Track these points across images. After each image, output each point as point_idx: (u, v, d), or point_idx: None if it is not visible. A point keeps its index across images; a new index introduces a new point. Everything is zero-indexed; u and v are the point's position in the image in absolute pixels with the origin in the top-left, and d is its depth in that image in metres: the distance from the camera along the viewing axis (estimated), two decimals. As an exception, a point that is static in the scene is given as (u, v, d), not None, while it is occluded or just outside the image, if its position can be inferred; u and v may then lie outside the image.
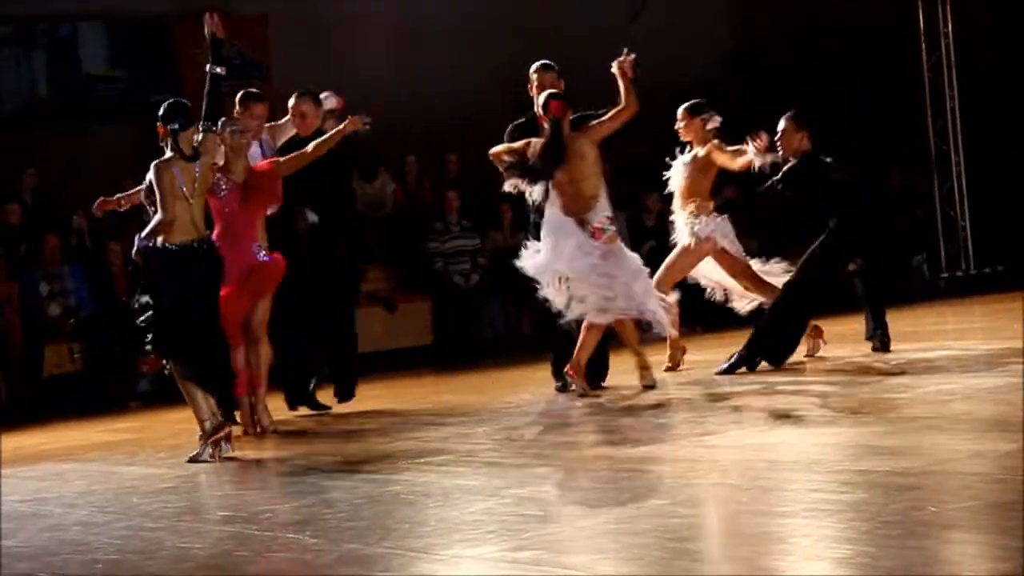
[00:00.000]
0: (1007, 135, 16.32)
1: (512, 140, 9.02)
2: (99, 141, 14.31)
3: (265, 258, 8.84)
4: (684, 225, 9.82)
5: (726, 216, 9.76)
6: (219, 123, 8.68)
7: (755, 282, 9.77)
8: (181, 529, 6.13)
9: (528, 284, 8.87)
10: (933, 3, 15.51)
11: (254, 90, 9.50)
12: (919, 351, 9.56)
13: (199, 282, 7.94)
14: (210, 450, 7.91)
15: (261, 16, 15.26)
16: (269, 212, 9.11)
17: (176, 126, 7.92)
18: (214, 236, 8.79)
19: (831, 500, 5.37)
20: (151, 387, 12.30)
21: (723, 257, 9.78)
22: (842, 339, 9.77)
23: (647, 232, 14.86)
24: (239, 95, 9.24)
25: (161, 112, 7.98)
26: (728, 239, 9.76)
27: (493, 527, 5.45)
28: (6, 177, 13.42)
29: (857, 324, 10.09)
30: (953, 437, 6.27)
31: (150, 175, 7.99)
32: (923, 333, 10.92)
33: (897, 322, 10.12)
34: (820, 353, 9.61)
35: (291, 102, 9.51)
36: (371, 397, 10.58)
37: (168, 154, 7.99)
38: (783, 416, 7.63)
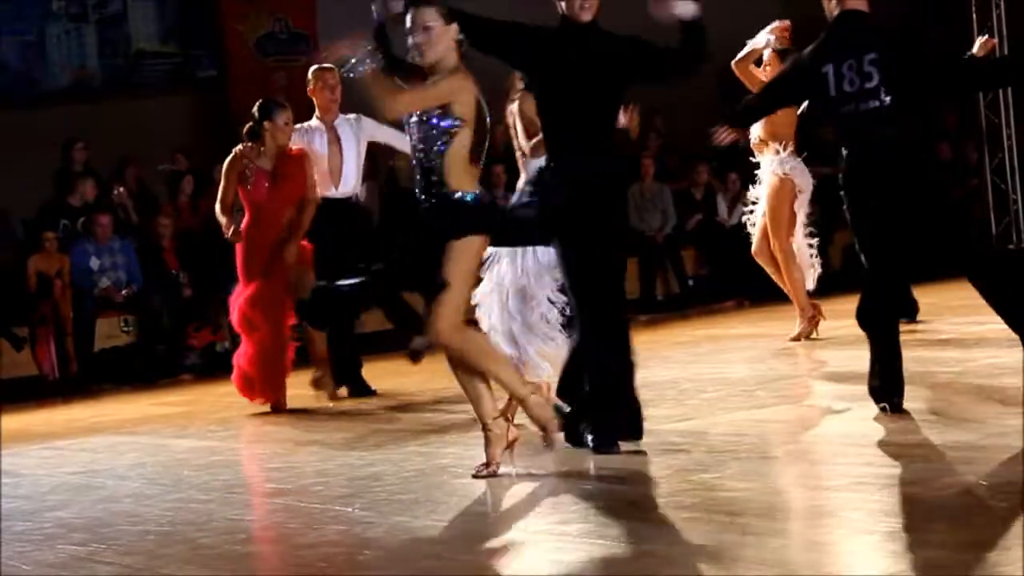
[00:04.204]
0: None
1: None
2: (149, 115, 14.37)
3: None
4: (768, 165, 9.50)
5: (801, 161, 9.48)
6: (271, 111, 8.77)
7: (785, 254, 9.55)
8: (232, 501, 6.18)
9: None
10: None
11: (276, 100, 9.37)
12: (970, 324, 9.49)
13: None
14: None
15: (309, -13, 15.23)
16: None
17: None
18: (243, 225, 8.85)
19: (880, 474, 5.35)
20: (200, 360, 12.39)
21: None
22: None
23: (695, 205, 14.83)
24: (258, 104, 9.00)
25: None
26: (804, 187, 9.43)
27: (540, 500, 5.47)
28: (56, 151, 13.50)
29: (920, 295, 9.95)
30: (1004, 411, 6.22)
31: None
32: (973, 306, 10.82)
33: (948, 295, 10.05)
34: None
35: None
36: (415, 371, 10.58)
37: None
38: (831, 390, 7.60)
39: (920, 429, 6.12)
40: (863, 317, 6.54)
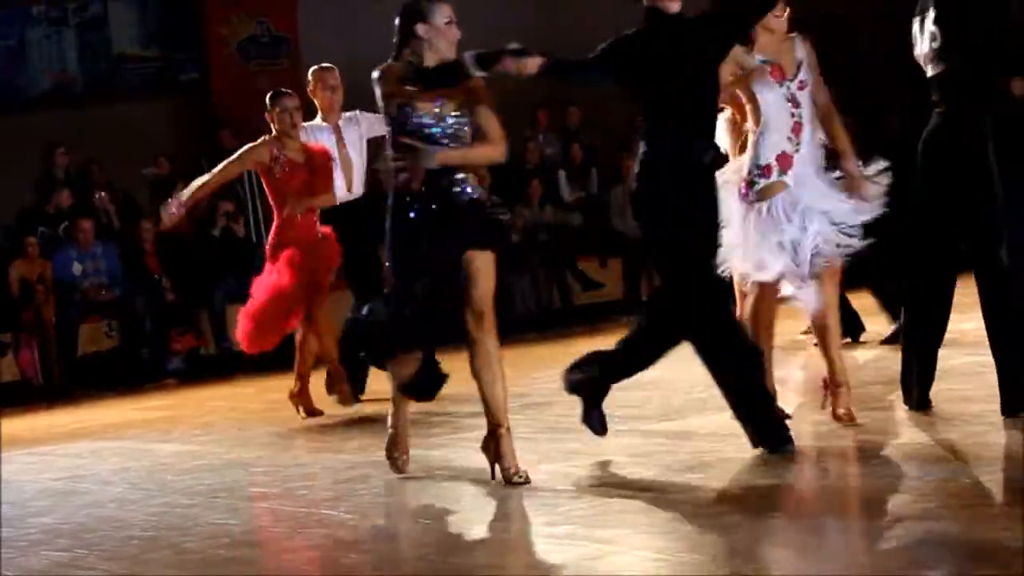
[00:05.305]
0: None
1: None
2: (131, 119, 14.35)
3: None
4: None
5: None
6: (269, 101, 8.52)
7: None
8: (216, 506, 6.17)
9: None
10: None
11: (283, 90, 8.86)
12: (958, 323, 9.49)
13: None
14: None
15: (290, -10, 15.21)
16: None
17: None
18: (276, 221, 8.44)
19: (865, 474, 5.37)
20: (184, 365, 12.38)
21: None
22: (872, 313, 9.72)
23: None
24: (268, 96, 8.63)
25: None
26: None
27: (527, 502, 5.47)
28: (38, 156, 13.48)
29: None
30: (987, 409, 6.24)
31: None
32: (958, 304, 10.85)
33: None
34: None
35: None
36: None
37: None
38: (816, 390, 7.59)
39: (905, 428, 6.13)
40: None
